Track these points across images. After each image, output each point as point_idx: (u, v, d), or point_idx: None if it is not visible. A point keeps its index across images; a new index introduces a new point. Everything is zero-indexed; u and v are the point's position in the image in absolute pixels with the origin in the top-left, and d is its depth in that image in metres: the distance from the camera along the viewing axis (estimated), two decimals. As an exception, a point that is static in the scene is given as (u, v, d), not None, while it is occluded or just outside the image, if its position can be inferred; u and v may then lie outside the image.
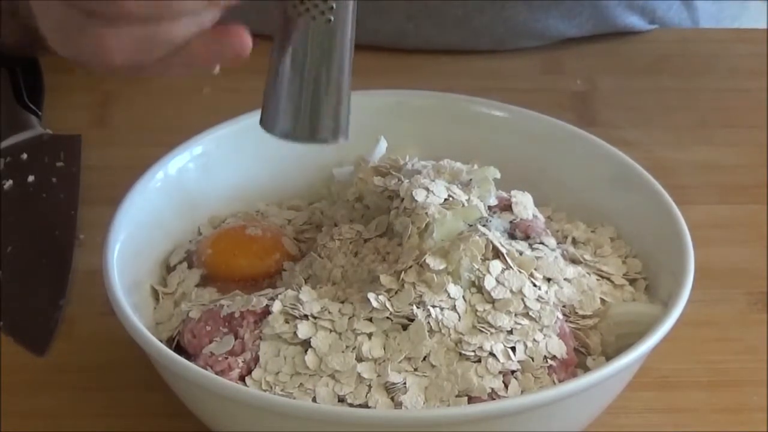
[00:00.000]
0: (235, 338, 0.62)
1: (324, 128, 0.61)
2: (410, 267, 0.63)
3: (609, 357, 0.63)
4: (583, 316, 0.64)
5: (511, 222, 0.68)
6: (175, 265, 0.70)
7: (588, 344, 0.64)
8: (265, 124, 0.61)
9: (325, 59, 0.59)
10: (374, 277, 0.63)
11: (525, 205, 0.68)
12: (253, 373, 0.61)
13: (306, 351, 0.61)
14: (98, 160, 0.85)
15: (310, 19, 0.59)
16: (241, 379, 0.61)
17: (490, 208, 0.68)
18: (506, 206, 0.68)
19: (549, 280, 0.65)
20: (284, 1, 0.59)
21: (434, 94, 0.77)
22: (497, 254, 0.63)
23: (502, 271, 0.63)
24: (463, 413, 0.58)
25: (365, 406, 0.59)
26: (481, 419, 0.57)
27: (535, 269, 0.64)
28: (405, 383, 0.60)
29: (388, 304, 0.61)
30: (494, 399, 0.59)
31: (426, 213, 0.64)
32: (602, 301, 0.66)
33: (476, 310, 0.62)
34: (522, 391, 0.60)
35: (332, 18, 0.59)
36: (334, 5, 0.58)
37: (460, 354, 0.60)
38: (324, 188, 0.75)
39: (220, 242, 0.70)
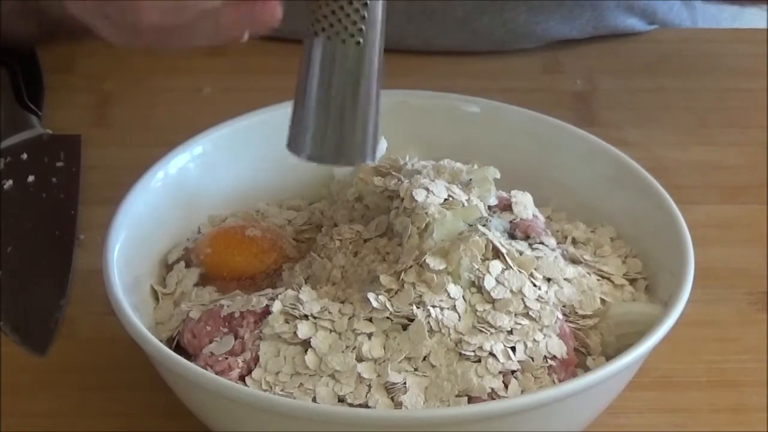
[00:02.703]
0: (235, 338, 0.62)
1: (351, 151, 0.60)
2: (410, 267, 0.63)
3: (609, 357, 0.63)
4: (583, 316, 0.64)
5: (511, 222, 0.68)
6: (173, 263, 0.69)
7: (588, 344, 0.64)
8: (292, 146, 0.61)
9: (353, 82, 0.59)
10: (374, 277, 0.63)
11: (525, 205, 0.68)
12: (253, 373, 0.61)
13: (306, 351, 0.61)
14: (98, 160, 0.85)
15: (339, 42, 0.58)
16: (241, 379, 0.61)
17: (490, 208, 0.68)
18: (506, 206, 0.68)
19: (549, 280, 0.65)
20: (313, 23, 0.58)
21: (434, 94, 0.77)
22: (497, 254, 0.63)
23: (502, 271, 0.63)
24: (463, 413, 0.58)
25: (365, 406, 0.59)
26: (481, 419, 0.57)
27: (535, 269, 0.64)
28: (405, 383, 0.60)
29: (388, 304, 0.61)
30: (494, 399, 0.59)
31: (426, 213, 0.64)
32: (602, 301, 0.65)
33: (476, 310, 0.62)
34: (522, 391, 0.60)
35: (361, 41, 0.58)
36: (364, 27, 0.58)
37: (460, 354, 0.60)
38: (324, 188, 0.75)
39: (219, 241, 0.70)
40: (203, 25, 0.60)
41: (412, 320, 0.61)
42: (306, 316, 0.62)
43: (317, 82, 0.59)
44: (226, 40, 0.61)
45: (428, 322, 0.61)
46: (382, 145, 0.75)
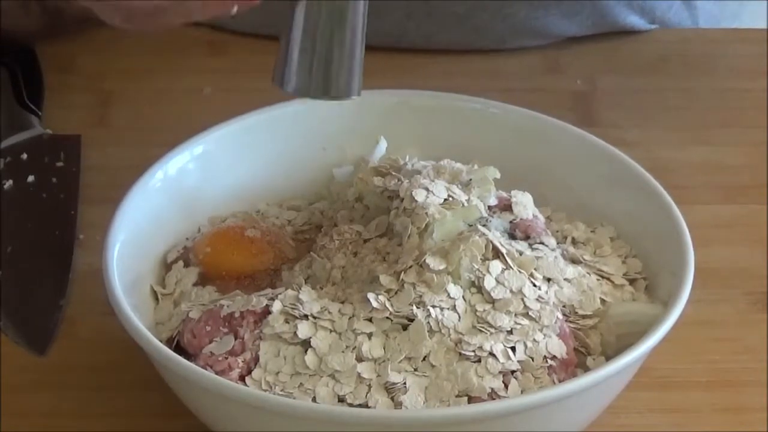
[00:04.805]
0: (235, 338, 0.62)
1: (336, 85, 0.61)
2: (410, 267, 0.63)
3: (609, 357, 0.63)
4: (583, 316, 0.64)
5: (511, 222, 0.68)
6: (172, 262, 0.69)
7: (588, 344, 0.64)
8: (278, 80, 0.61)
9: (340, 18, 0.59)
10: (374, 277, 0.63)
11: (525, 205, 0.68)
12: (253, 373, 0.61)
13: (306, 351, 0.61)
14: (98, 160, 0.85)
15: None
16: (241, 379, 0.61)
17: (490, 208, 0.68)
18: (506, 206, 0.68)
19: (549, 280, 0.65)
20: None
21: (434, 94, 0.77)
22: (497, 254, 0.63)
23: (502, 271, 0.63)
24: (463, 413, 0.58)
25: (365, 406, 0.59)
26: (481, 419, 0.57)
27: (535, 269, 0.64)
28: (405, 383, 0.60)
29: (388, 304, 0.61)
30: (494, 399, 0.59)
31: (426, 213, 0.64)
32: (602, 301, 0.65)
33: (476, 310, 0.62)
34: (522, 391, 0.60)
35: None
36: None
37: (460, 354, 0.60)
38: (324, 188, 0.75)
39: (218, 240, 0.70)
40: (191, 2, 0.60)
41: (412, 320, 0.61)
42: (306, 316, 0.62)
43: (304, 18, 0.59)
44: (215, 14, 0.61)
45: (428, 322, 0.61)
46: (382, 145, 0.75)
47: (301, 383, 0.60)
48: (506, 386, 0.60)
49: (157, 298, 0.68)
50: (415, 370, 0.60)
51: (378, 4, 0.95)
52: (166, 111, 0.90)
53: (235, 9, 0.62)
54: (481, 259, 0.63)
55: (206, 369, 0.61)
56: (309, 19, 0.59)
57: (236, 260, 0.69)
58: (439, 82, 0.86)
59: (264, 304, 0.62)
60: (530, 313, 0.62)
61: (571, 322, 0.64)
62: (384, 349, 0.61)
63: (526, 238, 0.67)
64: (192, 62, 0.96)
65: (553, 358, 0.61)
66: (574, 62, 0.97)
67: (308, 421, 0.57)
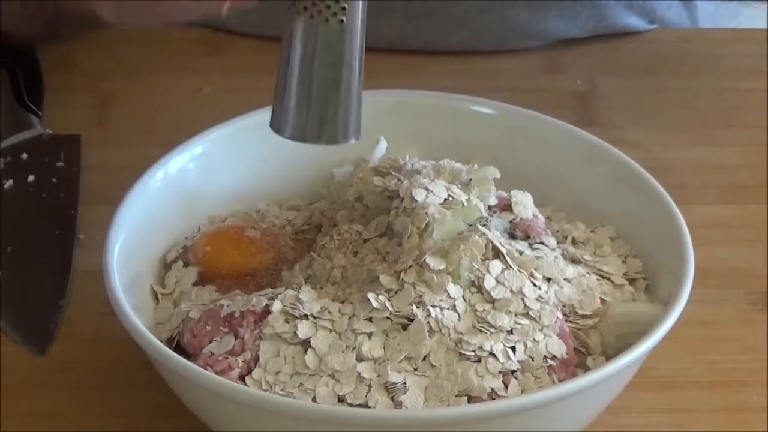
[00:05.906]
0: (235, 338, 0.62)
1: (334, 130, 0.60)
2: (410, 267, 0.63)
3: (609, 357, 0.63)
4: (583, 316, 0.64)
5: (511, 222, 0.68)
6: (172, 262, 0.69)
7: (588, 344, 0.64)
8: (275, 125, 0.61)
9: (336, 60, 0.59)
10: (374, 277, 0.63)
11: (525, 205, 0.68)
12: (253, 373, 0.61)
13: (306, 351, 0.61)
14: (98, 160, 0.85)
15: (323, 21, 0.58)
16: (241, 379, 0.61)
17: (490, 208, 0.68)
18: (506, 206, 0.68)
19: (549, 280, 0.65)
20: (295, 2, 0.58)
21: (434, 94, 0.77)
22: (497, 254, 0.63)
23: (502, 271, 0.63)
24: (463, 413, 0.58)
25: (365, 406, 0.59)
26: (481, 419, 0.57)
27: (535, 269, 0.64)
28: (405, 383, 0.60)
29: (388, 304, 0.61)
30: (494, 399, 0.59)
31: (426, 213, 0.64)
32: (602, 301, 0.66)
33: (476, 310, 0.62)
34: (522, 391, 0.60)
35: (344, 19, 0.58)
36: (347, 6, 0.58)
37: (460, 354, 0.60)
38: (324, 188, 0.75)
39: (218, 239, 0.70)
40: None
41: (412, 320, 0.61)
42: (306, 316, 0.62)
43: (299, 62, 0.59)
44: (207, 13, 0.61)
45: (428, 322, 0.61)
46: (382, 145, 0.75)
47: (301, 383, 0.60)
48: (506, 386, 0.60)
49: (157, 298, 0.68)
50: (415, 369, 0.60)
51: (379, 7, 0.95)
52: (166, 111, 0.90)
53: (226, 9, 0.61)
54: (481, 258, 0.63)
55: (206, 369, 0.61)
56: (305, 61, 0.59)
57: (236, 260, 0.69)
58: (439, 83, 0.86)
59: (264, 304, 0.62)
60: (530, 313, 0.62)
61: (571, 322, 0.64)
62: (384, 349, 0.61)
63: (526, 238, 0.67)
64: (192, 62, 0.96)
65: (553, 357, 0.61)
66: (574, 62, 0.97)
67: (308, 421, 0.57)
